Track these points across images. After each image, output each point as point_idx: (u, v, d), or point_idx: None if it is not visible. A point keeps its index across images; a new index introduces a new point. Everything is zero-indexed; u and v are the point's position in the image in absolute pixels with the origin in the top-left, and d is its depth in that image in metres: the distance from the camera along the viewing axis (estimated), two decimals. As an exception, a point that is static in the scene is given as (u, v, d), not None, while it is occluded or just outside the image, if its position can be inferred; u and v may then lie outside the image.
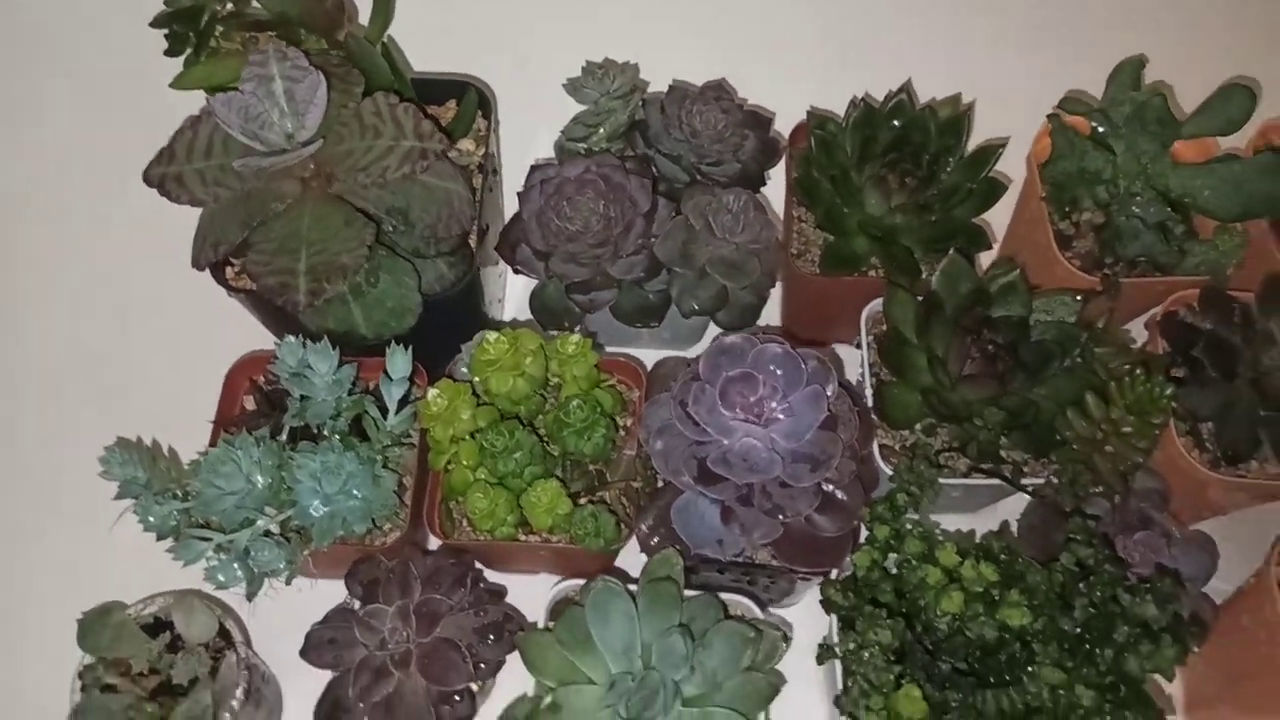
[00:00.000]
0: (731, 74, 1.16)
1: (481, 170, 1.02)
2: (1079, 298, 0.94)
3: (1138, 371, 0.80)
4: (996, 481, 0.93)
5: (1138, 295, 1.02)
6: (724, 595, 0.91)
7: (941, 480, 0.92)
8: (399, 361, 0.89)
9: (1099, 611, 0.76)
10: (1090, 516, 0.80)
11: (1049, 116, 0.98)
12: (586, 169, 0.98)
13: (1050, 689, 0.72)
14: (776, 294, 1.14)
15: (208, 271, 0.94)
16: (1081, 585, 0.75)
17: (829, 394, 0.85)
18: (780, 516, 0.84)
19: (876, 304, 1.01)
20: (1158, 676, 0.92)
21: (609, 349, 1.07)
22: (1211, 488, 0.95)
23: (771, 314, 1.18)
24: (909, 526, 0.84)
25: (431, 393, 0.89)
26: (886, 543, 0.83)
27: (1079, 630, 0.76)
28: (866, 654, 0.74)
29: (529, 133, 1.19)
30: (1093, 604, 0.76)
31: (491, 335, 0.87)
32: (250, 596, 0.88)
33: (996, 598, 0.78)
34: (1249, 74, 1.16)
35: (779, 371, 0.85)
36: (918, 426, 0.98)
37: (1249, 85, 0.96)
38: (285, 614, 0.93)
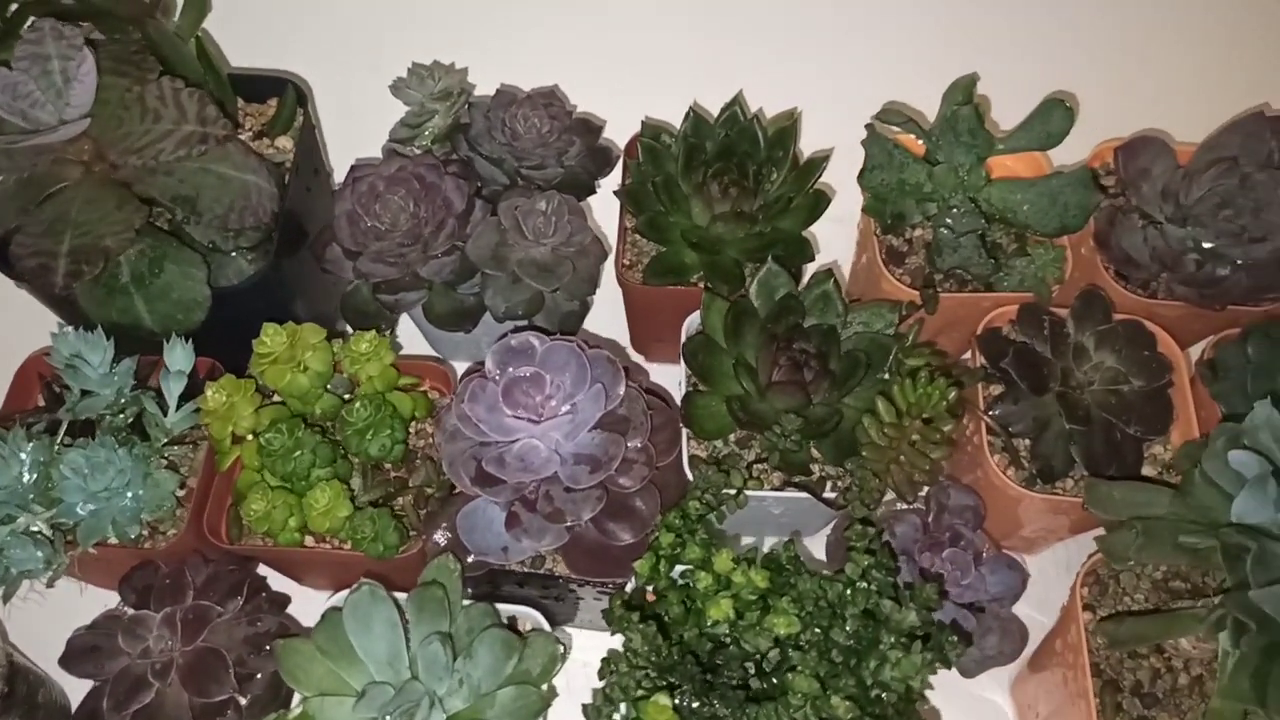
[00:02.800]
0: (588, 86, 1.15)
1: (298, 167, 0.99)
2: (899, 310, 0.93)
3: (920, 374, 0.77)
4: (806, 495, 0.90)
5: (967, 313, 1.01)
6: (518, 609, 0.88)
7: (751, 493, 0.90)
8: (178, 355, 0.86)
9: (874, 620, 0.73)
10: (867, 523, 0.77)
11: (866, 126, 0.97)
12: (400, 168, 0.96)
13: (811, 701, 0.68)
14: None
15: None
16: (848, 593, 0.72)
17: (617, 393, 0.82)
18: (564, 521, 0.81)
19: (697, 315, 0.98)
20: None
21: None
22: (1028, 507, 0.93)
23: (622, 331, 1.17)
24: (695, 534, 0.80)
25: (209, 389, 0.85)
26: (671, 550, 0.80)
27: (851, 641, 0.72)
28: (618, 662, 0.70)
29: (378, 137, 1.17)
30: (867, 612, 0.73)
31: (271, 328, 0.84)
32: (6, 598, 0.83)
33: (772, 607, 0.74)
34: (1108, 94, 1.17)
35: (568, 371, 0.82)
36: (732, 437, 0.95)
37: (1067, 101, 0.95)
38: (72, 625, 0.88)
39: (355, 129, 1.09)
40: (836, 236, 1.19)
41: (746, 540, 1.09)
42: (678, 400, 0.93)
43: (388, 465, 0.92)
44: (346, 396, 0.92)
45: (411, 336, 1.14)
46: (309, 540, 0.90)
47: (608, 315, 1.15)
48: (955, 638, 0.68)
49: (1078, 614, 0.84)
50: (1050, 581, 1.07)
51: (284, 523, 0.85)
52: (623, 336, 1.18)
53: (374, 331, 0.89)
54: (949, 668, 0.69)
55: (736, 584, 0.74)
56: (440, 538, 0.87)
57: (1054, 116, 0.96)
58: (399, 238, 0.94)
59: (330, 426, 0.92)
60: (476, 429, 0.80)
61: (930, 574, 0.82)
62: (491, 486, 0.80)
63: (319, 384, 0.87)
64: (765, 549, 1.07)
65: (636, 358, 1.19)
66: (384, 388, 0.89)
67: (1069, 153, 1.10)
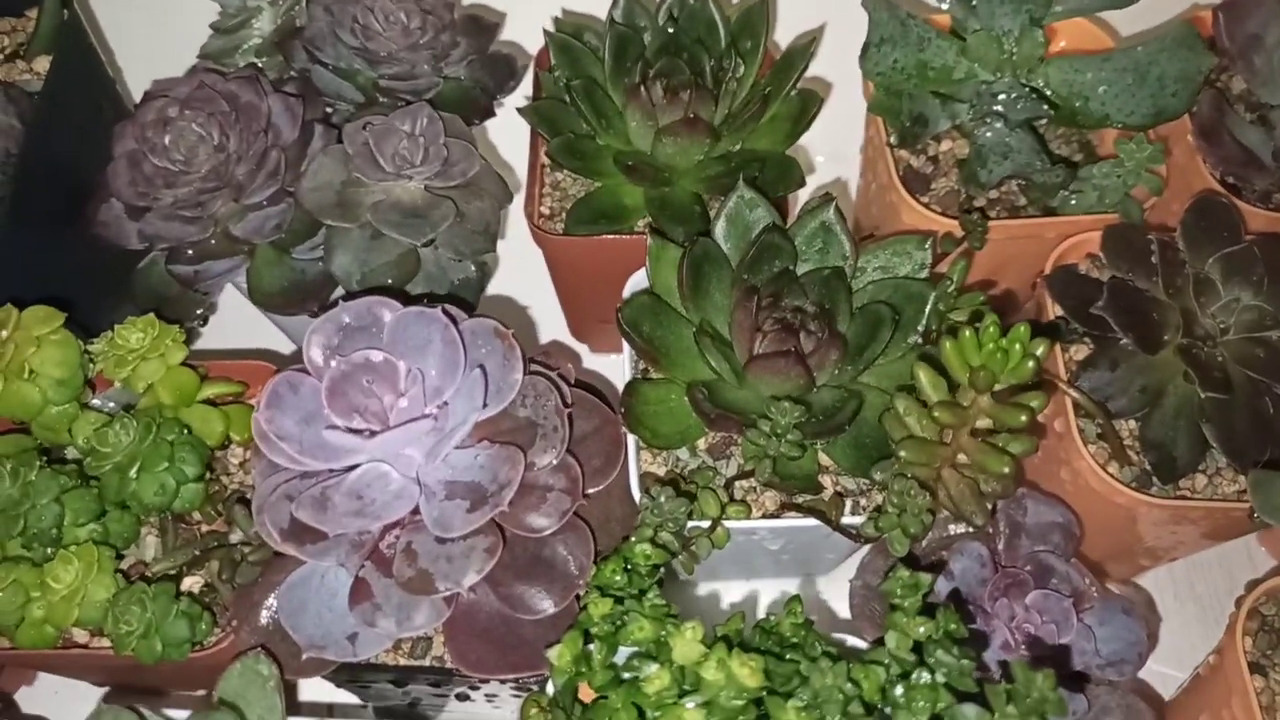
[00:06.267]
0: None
1: (52, 96, 0.70)
2: (927, 245, 0.64)
3: (989, 324, 0.48)
4: (815, 523, 0.61)
5: (1022, 249, 0.72)
6: None
7: (734, 524, 0.61)
8: None
9: (941, 734, 0.43)
10: (916, 564, 0.47)
11: (867, -17, 0.68)
12: (200, 85, 0.66)
13: None
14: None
15: None
16: (898, 691, 0.43)
17: (511, 381, 0.53)
18: (433, 591, 0.51)
19: (642, 273, 0.69)
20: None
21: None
22: (1143, 518, 0.64)
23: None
24: (644, 598, 0.51)
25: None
26: (608, 627, 0.50)
27: (907, 771, 0.43)
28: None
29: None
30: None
31: (-30, 314, 0.54)
32: None
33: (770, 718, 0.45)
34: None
35: (429, 352, 0.53)
36: (702, 444, 0.65)
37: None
38: None
39: (175, 48, 0.79)
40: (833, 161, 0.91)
41: (733, 591, 0.80)
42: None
43: (196, 516, 0.62)
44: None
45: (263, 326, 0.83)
46: (80, 633, 0.60)
47: (538, 291, 0.85)
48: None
49: (1244, 679, 0.55)
50: (1168, 615, 0.78)
51: (20, 612, 0.56)
52: (558, 320, 0.88)
53: (149, 318, 0.59)
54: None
55: (709, 684, 0.44)
56: (266, 619, 0.57)
57: (1132, -42, 0.67)
58: (198, 182, 0.64)
59: (102, 462, 0.62)
60: (288, 454, 0.50)
61: (1020, 638, 0.52)
62: (311, 544, 0.50)
63: (63, 397, 0.57)
64: (762, 604, 0.80)
65: (578, 348, 0.90)
66: (174, 400, 0.60)
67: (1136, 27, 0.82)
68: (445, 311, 0.53)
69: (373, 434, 0.50)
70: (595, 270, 0.75)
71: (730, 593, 0.80)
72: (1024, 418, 0.47)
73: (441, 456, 0.51)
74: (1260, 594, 0.58)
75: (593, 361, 0.89)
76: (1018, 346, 0.47)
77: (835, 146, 0.91)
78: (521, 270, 0.84)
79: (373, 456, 0.51)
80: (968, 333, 0.48)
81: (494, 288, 0.88)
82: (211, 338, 0.85)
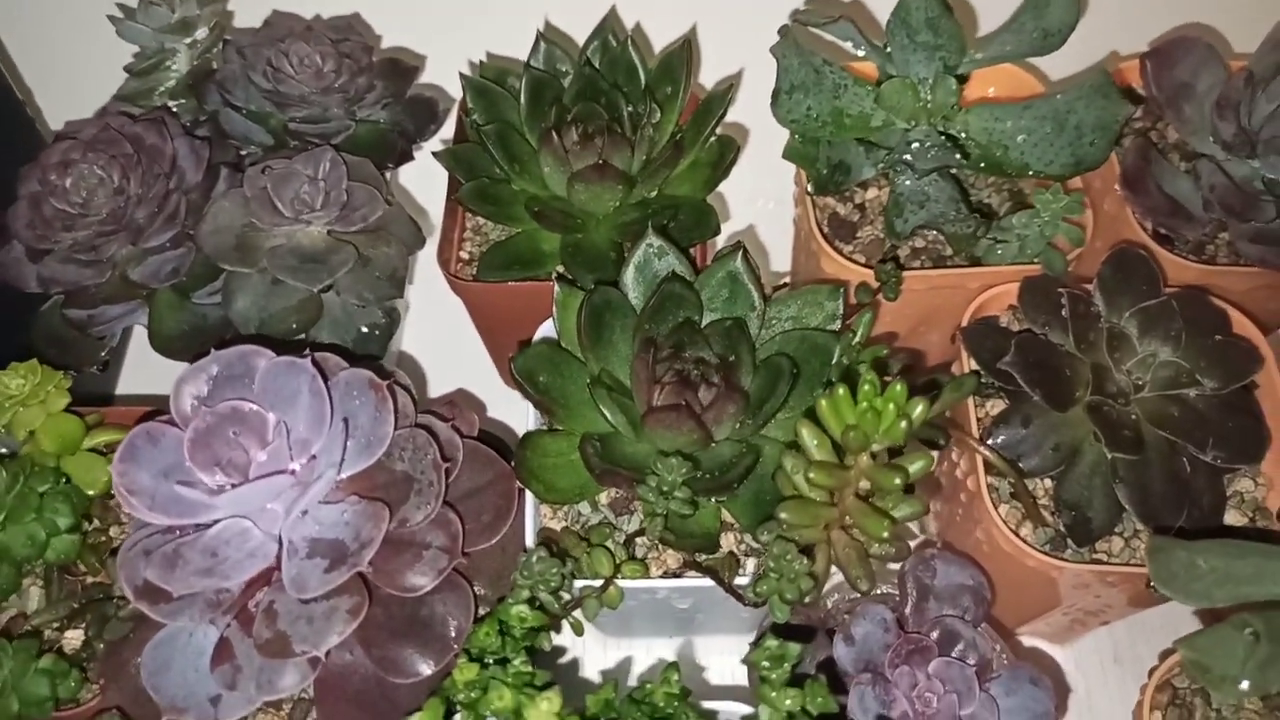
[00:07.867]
0: (412, 16, 0.85)
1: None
2: (839, 295, 0.62)
3: (864, 382, 0.46)
4: (709, 583, 0.58)
5: (948, 300, 0.70)
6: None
7: (628, 583, 0.58)
8: None
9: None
10: (789, 633, 0.45)
11: (780, 30, 0.67)
12: (105, 127, 0.66)
13: None
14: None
15: None
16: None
17: (381, 434, 0.51)
18: (290, 654, 0.49)
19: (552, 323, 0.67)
20: None
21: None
22: (1059, 581, 0.61)
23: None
24: (511, 663, 0.49)
25: None
26: (471, 695, 0.48)
27: None
28: None
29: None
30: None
31: None
32: None
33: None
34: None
35: (298, 404, 0.51)
36: (603, 498, 0.63)
37: (1073, -15, 0.65)
38: None
39: (100, 88, 0.78)
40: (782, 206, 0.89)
41: (658, 649, 0.77)
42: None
43: (82, 567, 0.61)
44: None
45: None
46: (-49, 689, 0.58)
47: (468, 335, 0.84)
48: None
49: (1150, 759, 0.52)
50: (1097, 681, 0.76)
51: (-123, 669, 0.54)
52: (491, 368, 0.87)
53: (31, 364, 0.58)
54: None
55: (555, 762, 0.42)
56: (134, 677, 0.55)
57: (1052, 6, 0.66)
58: (96, 225, 0.63)
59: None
60: (140, 510, 0.49)
61: (921, 708, 0.50)
62: (163, 603, 0.48)
63: (-67, 446, 0.56)
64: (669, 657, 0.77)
65: (508, 394, 0.88)
66: (56, 448, 0.58)
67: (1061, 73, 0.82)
68: (315, 362, 0.51)
69: (234, 487, 0.49)
70: (515, 316, 0.74)
71: (654, 652, 0.78)
72: (898, 480, 0.45)
73: (300, 512, 0.49)
74: (1173, 664, 0.56)
75: (521, 407, 0.88)
76: (891, 407, 0.45)
77: (782, 191, 0.90)
78: (453, 312, 0.82)
79: (231, 512, 0.49)
80: (842, 390, 0.46)
81: (420, 332, 0.87)
82: (135, 381, 0.83)
